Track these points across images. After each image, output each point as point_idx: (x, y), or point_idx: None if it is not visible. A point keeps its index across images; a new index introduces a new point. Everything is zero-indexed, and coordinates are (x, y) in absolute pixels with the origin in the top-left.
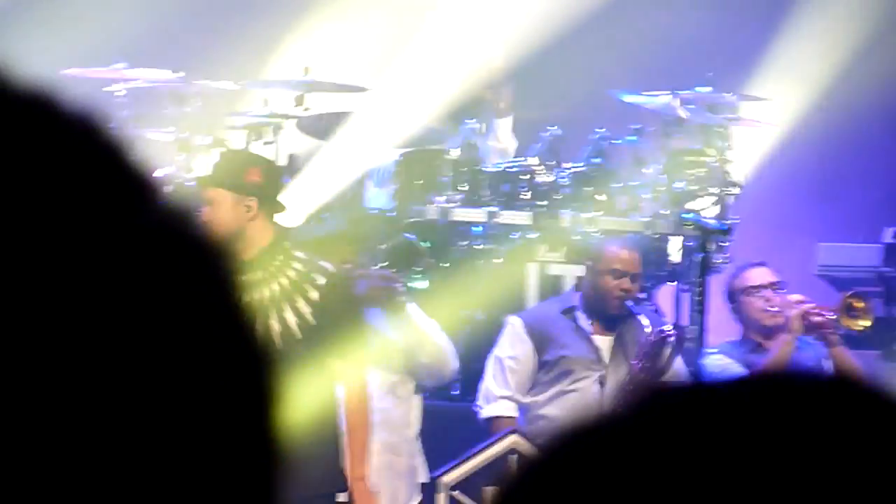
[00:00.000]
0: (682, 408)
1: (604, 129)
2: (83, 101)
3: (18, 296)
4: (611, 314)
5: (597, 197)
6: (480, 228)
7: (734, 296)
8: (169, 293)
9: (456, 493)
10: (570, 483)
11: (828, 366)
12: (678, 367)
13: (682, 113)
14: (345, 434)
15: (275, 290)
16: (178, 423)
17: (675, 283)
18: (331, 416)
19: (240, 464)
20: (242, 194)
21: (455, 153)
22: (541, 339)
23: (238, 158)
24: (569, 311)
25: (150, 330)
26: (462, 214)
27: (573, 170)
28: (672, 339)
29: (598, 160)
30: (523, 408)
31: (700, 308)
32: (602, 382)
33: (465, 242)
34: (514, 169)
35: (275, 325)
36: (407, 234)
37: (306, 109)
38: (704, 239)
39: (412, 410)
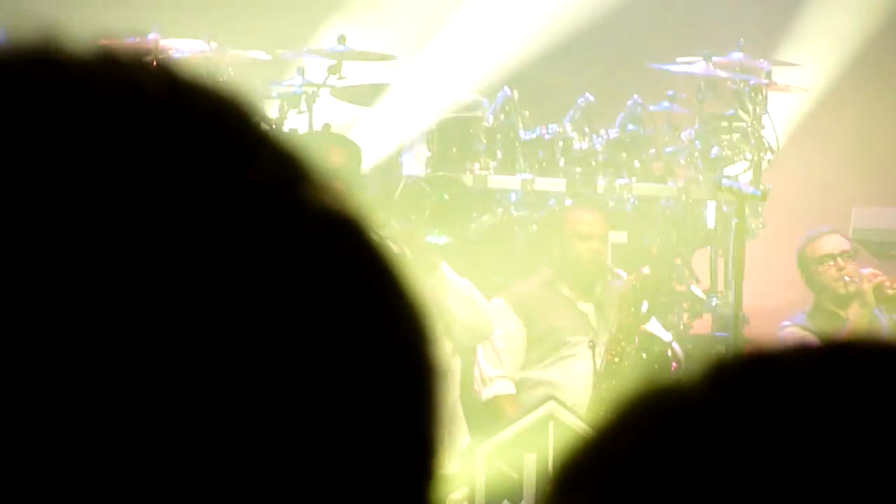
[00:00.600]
0: (773, 382)
1: (637, 96)
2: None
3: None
4: (588, 278)
5: (632, 163)
6: (515, 196)
7: (806, 264)
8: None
9: (495, 461)
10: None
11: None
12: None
13: (716, 79)
14: None
15: None
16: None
17: (711, 248)
18: None
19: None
20: None
21: (490, 120)
22: (527, 314)
23: (319, 139)
24: (549, 284)
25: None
26: (497, 182)
27: (608, 137)
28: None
29: (632, 127)
30: (519, 382)
31: (737, 273)
32: (592, 346)
33: (501, 209)
34: (549, 136)
35: None
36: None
37: (341, 78)
38: (740, 204)
39: (452, 375)
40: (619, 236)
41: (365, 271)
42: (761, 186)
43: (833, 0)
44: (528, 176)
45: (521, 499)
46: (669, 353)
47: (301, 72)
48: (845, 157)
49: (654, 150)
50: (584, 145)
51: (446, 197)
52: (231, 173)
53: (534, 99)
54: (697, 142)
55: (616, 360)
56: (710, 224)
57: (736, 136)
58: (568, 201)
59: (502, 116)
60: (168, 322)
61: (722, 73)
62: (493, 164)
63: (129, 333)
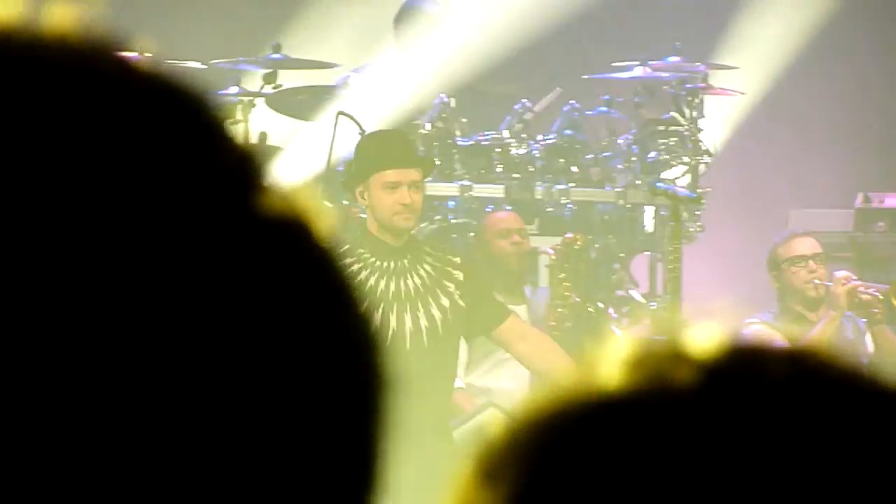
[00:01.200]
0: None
1: (574, 101)
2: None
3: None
4: (516, 275)
5: (570, 169)
6: (453, 203)
7: (777, 264)
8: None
9: None
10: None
11: (868, 342)
12: None
13: (653, 83)
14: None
15: (416, 283)
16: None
17: (650, 252)
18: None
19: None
20: None
21: (427, 127)
22: None
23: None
24: None
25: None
26: (435, 188)
27: (546, 142)
28: None
29: (570, 132)
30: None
31: (673, 277)
32: None
33: (439, 217)
34: (487, 142)
35: (418, 319)
36: None
37: (276, 87)
38: (675, 207)
39: None
40: (557, 242)
41: (312, 279)
42: (699, 190)
43: (769, 3)
44: (466, 182)
45: None
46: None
47: (237, 81)
48: (783, 161)
49: (591, 156)
50: (522, 151)
51: None
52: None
53: (471, 106)
54: (635, 146)
55: (554, 333)
56: (649, 228)
57: (673, 140)
58: (507, 207)
59: (440, 123)
60: (85, 320)
61: (659, 77)
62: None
63: (43, 332)
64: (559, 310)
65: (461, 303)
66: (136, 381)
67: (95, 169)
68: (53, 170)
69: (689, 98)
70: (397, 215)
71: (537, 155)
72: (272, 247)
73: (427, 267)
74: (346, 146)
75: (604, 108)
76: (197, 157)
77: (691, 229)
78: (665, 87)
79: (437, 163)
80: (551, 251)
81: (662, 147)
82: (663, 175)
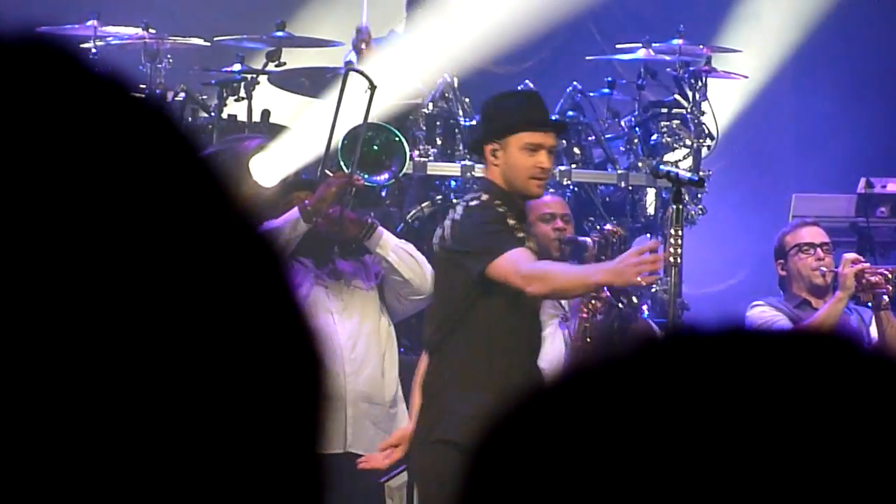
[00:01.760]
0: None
1: (577, 83)
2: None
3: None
4: (552, 257)
5: (572, 150)
6: (455, 183)
7: (784, 252)
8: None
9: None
10: (561, 434)
11: (872, 330)
12: None
13: (656, 66)
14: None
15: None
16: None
17: (651, 235)
18: None
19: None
20: None
21: (430, 107)
22: None
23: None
24: None
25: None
26: (437, 168)
27: None
28: None
29: (572, 114)
30: None
31: (675, 260)
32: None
33: (440, 197)
34: None
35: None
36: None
37: (280, 65)
38: (677, 190)
39: (388, 357)
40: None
41: (258, 283)
42: (700, 173)
43: None
44: (468, 163)
45: None
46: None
47: (241, 59)
48: (785, 145)
49: (593, 137)
50: None
51: (376, 147)
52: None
53: (474, 86)
54: (637, 129)
55: (587, 325)
56: (650, 211)
57: (676, 122)
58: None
59: (442, 103)
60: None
61: (662, 60)
62: (432, 150)
63: None
64: (592, 302)
65: None
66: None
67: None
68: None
69: (692, 81)
70: (534, 179)
71: None
72: (213, 246)
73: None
74: (354, 104)
75: (606, 90)
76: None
77: (693, 212)
78: (668, 69)
79: (439, 142)
80: (591, 242)
81: (665, 130)
82: (665, 158)
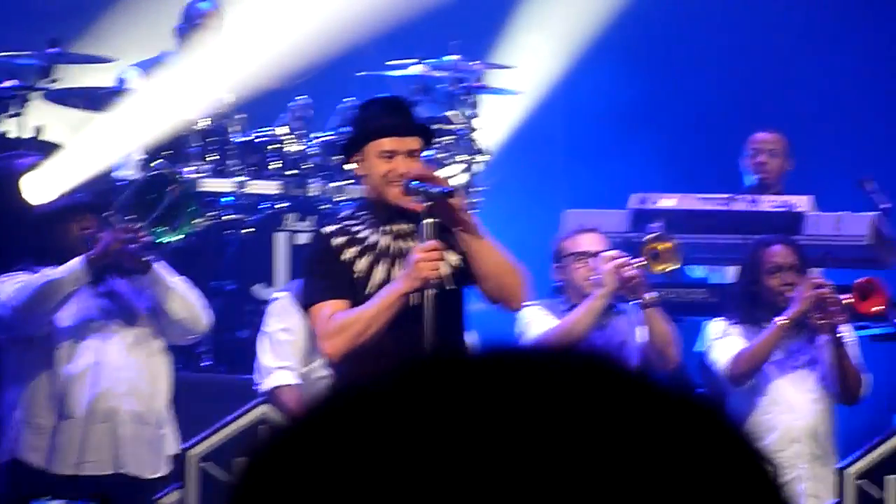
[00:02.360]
0: (434, 381)
1: (353, 98)
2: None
3: None
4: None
5: (345, 166)
6: (230, 199)
7: (561, 256)
8: None
9: (206, 465)
10: (314, 454)
11: (639, 334)
12: None
13: (429, 81)
14: None
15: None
16: None
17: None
18: None
19: None
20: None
21: (203, 123)
22: None
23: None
24: None
25: None
26: (211, 185)
27: (322, 139)
28: None
29: (346, 129)
30: (303, 377)
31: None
32: None
33: (213, 213)
34: (263, 139)
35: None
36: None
37: (53, 82)
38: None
39: (161, 378)
40: None
41: None
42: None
43: (546, 4)
44: (241, 179)
45: None
46: None
47: (15, 75)
48: (559, 160)
49: None
50: (298, 147)
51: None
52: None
53: (247, 102)
54: None
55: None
56: None
57: (449, 139)
58: (281, 204)
59: (215, 119)
60: None
61: (435, 76)
62: (206, 167)
63: None
64: None
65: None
66: None
67: None
68: None
69: (465, 97)
70: (392, 185)
71: (312, 152)
72: None
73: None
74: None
75: None
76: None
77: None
78: (441, 85)
79: (213, 159)
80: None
81: (438, 146)
82: (439, 174)
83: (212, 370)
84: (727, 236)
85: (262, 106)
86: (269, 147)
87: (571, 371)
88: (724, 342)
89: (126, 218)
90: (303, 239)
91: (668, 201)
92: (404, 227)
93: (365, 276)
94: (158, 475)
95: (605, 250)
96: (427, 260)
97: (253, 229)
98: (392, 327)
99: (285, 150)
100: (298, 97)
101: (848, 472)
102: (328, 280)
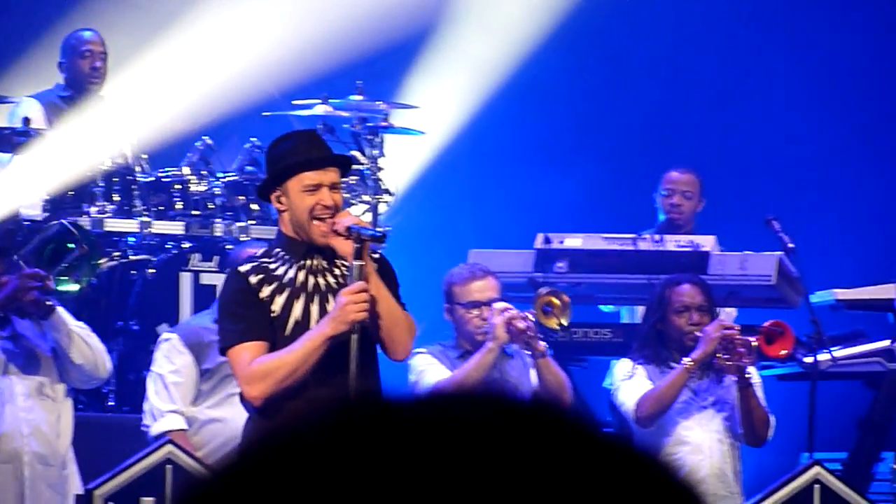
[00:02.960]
0: (351, 425)
1: (255, 139)
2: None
3: None
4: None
5: (250, 206)
6: (133, 239)
7: (452, 299)
8: None
9: None
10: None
11: (532, 377)
12: None
13: (333, 121)
14: None
15: (330, 281)
16: None
17: None
18: None
19: None
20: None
21: (108, 163)
22: (198, 349)
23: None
24: None
25: None
26: (115, 224)
27: (226, 179)
28: None
29: (252, 169)
30: (190, 419)
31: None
32: None
33: (119, 253)
34: (167, 179)
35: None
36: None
37: None
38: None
39: (63, 419)
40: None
41: None
42: (380, 229)
43: (452, 46)
44: (146, 219)
45: None
46: None
47: None
48: (464, 200)
49: None
50: (203, 187)
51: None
52: None
53: (153, 142)
54: None
55: None
56: None
57: (353, 179)
58: (186, 243)
59: (119, 160)
60: None
61: (340, 116)
62: (110, 207)
63: None
64: None
65: None
66: None
67: None
68: None
69: (370, 137)
70: (316, 220)
71: (217, 192)
72: None
73: (339, 271)
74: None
75: None
76: None
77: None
78: (346, 125)
79: (117, 198)
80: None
81: (344, 185)
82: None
83: (117, 410)
84: (632, 276)
85: (166, 146)
86: (174, 187)
87: (501, 416)
88: (630, 383)
89: (30, 265)
90: (207, 279)
91: (573, 241)
92: (320, 262)
93: (283, 315)
94: None
95: (498, 298)
96: (355, 302)
97: (154, 270)
98: (315, 369)
99: (190, 190)
100: (203, 137)
101: None
102: (245, 322)
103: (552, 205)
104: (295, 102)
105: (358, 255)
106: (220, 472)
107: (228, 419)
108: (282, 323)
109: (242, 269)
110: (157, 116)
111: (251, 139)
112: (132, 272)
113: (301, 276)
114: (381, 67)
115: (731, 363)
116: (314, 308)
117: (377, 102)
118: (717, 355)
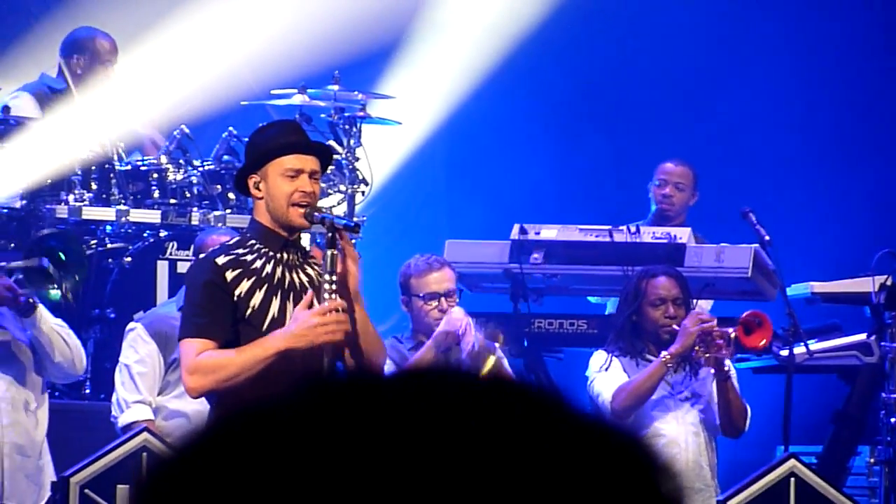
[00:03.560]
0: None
1: (232, 128)
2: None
3: None
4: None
5: (228, 195)
6: (111, 227)
7: (409, 291)
8: None
9: (88, 492)
10: (202, 477)
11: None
12: None
13: (311, 111)
14: None
15: (303, 279)
16: None
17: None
18: None
19: None
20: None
21: (87, 152)
22: (164, 339)
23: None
24: None
25: None
26: (92, 213)
27: (203, 168)
28: None
29: (228, 158)
30: (156, 408)
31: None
32: None
33: (96, 241)
34: (145, 167)
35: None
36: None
37: None
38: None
39: (40, 410)
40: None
41: None
42: (356, 219)
43: (429, 36)
44: (123, 207)
45: None
46: None
47: None
48: (439, 191)
49: None
50: (180, 176)
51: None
52: None
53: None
54: None
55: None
56: None
57: (331, 168)
58: (163, 232)
59: (97, 148)
60: None
61: (317, 106)
62: (88, 195)
63: None
64: None
65: None
66: None
67: None
68: None
69: (347, 127)
70: (295, 206)
71: (195, 181)
72: None
73: (311, 270)
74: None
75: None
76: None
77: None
78: (323, 115)
79: (95, 187)
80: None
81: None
82: (320, 203)
83: (93, 397)
84: (608, 267)
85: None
86: (152, 175)
87: (476, 392)
88: (605, 375)
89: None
90: (184, 267)
91: (548, 232)
92: (296, 258)
93: (260, 311)
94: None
95: (455, 290)
96: (325, 324)
97: (131, 258)
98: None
99: (167, 178)
100: (180, 126)
101: None
102: (209, 318)
103: (530, 196)
104: (273, 92)
105: (331, 243)
106: (188, 449)
107: (191, 413)
108: (259, 319)
109: (219, 260)
110: (140, 105)
111: (229, 128)
112: (109, 260)
113: (278, 271)
114: (358, 57)
115: (709, 356)
116: (290, 306)
117: (354, 92)
118: (696, 348)
